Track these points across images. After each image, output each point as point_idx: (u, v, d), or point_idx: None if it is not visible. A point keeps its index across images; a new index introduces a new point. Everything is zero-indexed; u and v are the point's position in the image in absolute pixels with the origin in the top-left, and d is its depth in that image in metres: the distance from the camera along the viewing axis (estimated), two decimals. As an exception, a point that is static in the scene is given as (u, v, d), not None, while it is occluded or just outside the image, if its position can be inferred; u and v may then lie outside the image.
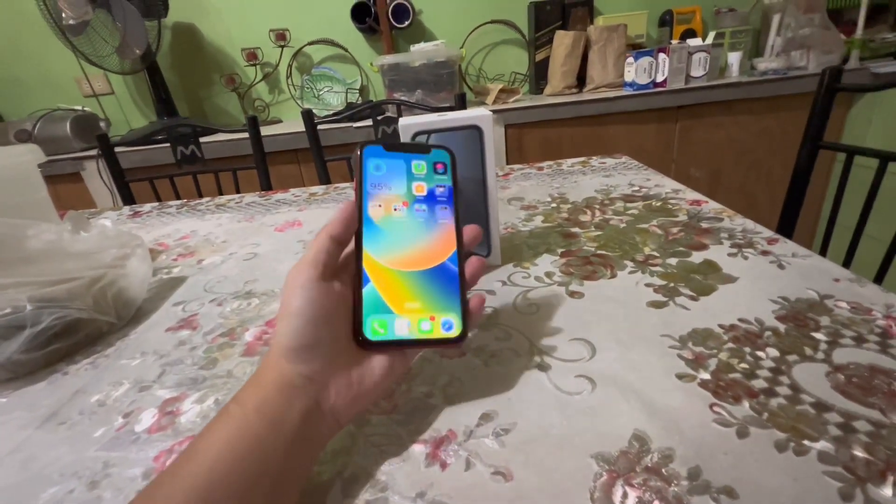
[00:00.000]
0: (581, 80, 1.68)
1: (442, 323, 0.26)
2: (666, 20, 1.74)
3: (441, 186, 0.29)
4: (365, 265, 0.26)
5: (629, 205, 0.60)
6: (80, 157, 1.51)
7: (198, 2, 1.77)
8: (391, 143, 0.29)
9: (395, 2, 1.66)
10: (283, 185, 1.32)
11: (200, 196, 1.01)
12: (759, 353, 0.30)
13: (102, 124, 1.70)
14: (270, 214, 0.74)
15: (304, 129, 1.13)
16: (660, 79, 1.49)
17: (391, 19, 1.68)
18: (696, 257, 0.44)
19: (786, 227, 0.87)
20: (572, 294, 0.40)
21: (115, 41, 1.52)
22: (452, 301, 0.27)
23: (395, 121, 1.14)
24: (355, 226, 0.27)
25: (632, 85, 1.53)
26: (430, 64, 1.54)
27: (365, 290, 0.26)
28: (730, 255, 0.44)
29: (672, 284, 0.40)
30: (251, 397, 0.23)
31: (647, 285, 0.40)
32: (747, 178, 1.60)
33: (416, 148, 0.29)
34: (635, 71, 1.50)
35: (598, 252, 0.48)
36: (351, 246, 0.27)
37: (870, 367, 0.28)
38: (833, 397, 0.26)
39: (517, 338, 0.35)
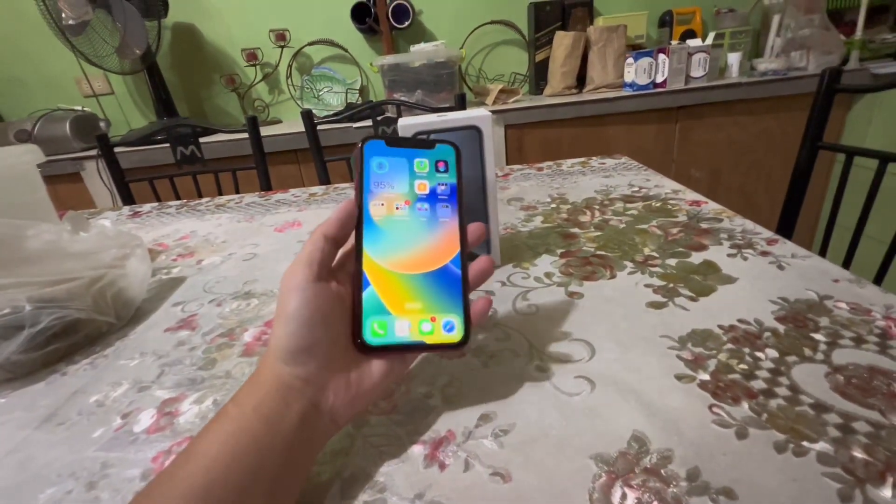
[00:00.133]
0: (581, 81, 1.68)
1: (443, 324, 0.26)
2: (666, 21, 1.74)
3: (444, 184, 0.28)
4: (365, 268, 0.26)
5: (629, 205, 0.60)
6: (80, 158, 1.51)
7: (198, 2, 1.77)
8: (393, 138, 0.28)
9: (395, 2, 1.66)
10: (282, 186, 1.31)
11: (200, 196, 1.01)
12: (759, 354, 0.30)
13: (102, 124, 1.70)
14: (270, 215, 0.74)
15: (303, 130, 1.13)
16: (660, 79, 1.49)
17: (391, 20, 1.68)
18: (696, 258, 0.44)
19: (785, 228, 0.87)
20: (572, 295, 0.40)
21: (115, 41, 1.52)
22: (455, 303, 0.26)
23: (395, 121, 1.14)
24: (352, 226, 0.26)
25: (632, 85, 1.53)
26: (430, 64, 1.54)
27: (365, 294, 0.25)
28: (729, 255, 0.44)
29: (671, 285, 0.40)
30: (249, 398, 0.23)
31: (647, 286, 0.40)
32: (747, 179, 1.60)
33: (420, 143, 0.28)
34: (635, 71, 1.50)
35: (598, 252, 0.48)
36: (348, 244, 0.27)
37: (869, 368, 0.28)
38: (832, 398, 0.26)
39: (516, 338, 0.35)
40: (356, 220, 0.26)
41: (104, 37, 1.51)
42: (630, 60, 1.51)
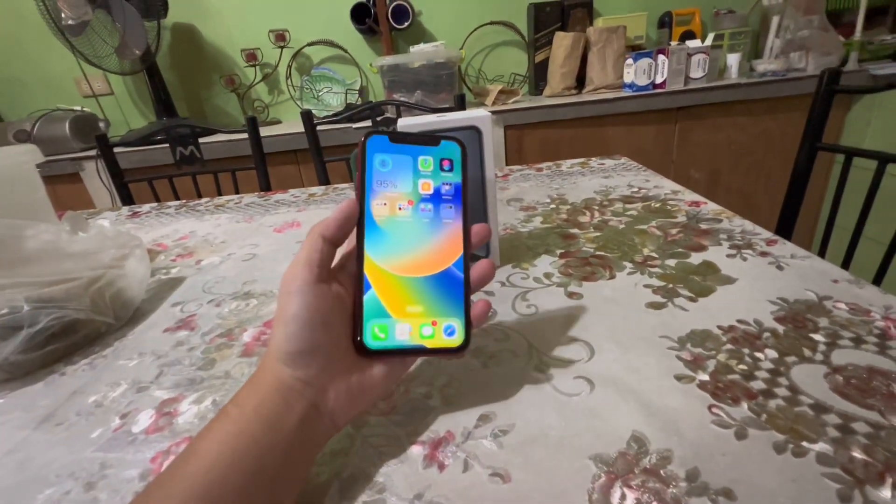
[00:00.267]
0: (580, 82, 1.68)
1: (444, 328, 0.26)
2: (665, 22, 1.74)
3: (448, 184, 0.27)
4: (366, 270, 0.25)
5: (628, 206, 0.60)
6: (79, 158, 1.51)
7: (197, 2, 1.77)
8: (397, 134, 0.27)
9: (395, 3, 1.66)
10: (282, 186, 1.31)
11: (199, 196, 1.01)
12: (758, 355, 0.30)
13: (101, 125, 1.70)
14: (269, 215, 0.74)
15: (303, 130, 1.13)
16: (659, 80, 1.49)
17: (391, 20, 1.68)
18: (695, 258, 0.44)
19: (785, 229, 0.87)
20: (571, 295, 0.40)
21: (115, 42, 1.52)
22: (456, 307, 0.26)
23: (395, 121, 1.14)
24: (351, 227, 0.25)
25: (631, 86, 1.53)
26: (430, 65, 1.54)
27: (366, 297, 0.25)
28: (729, 256, 0.44)
29: (671, 285, 0.40)
30: (249, 399, 0.22)
31: (646, 286, 0.40)
32: (746, 180, 1.60)
33: (424, 139, 0.27)
34: (634, 72, 1.50)
35: (597, 253, 0.48)
36: (348, 244, 0.27)
37: (868, 369, 0.28)
38: (832, 399, 0.26)
39: (516, 339, 0.35)
40: (357, 221, 0.25)
41: (104, 37, 1.51)
42: (629, 61, 1.51)
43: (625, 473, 0.23)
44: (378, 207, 0.26)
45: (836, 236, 0.78)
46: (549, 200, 0.66)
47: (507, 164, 1.54)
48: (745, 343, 0.32)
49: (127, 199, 1.14)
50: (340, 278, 0.26)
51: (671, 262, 0.44)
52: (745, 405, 0.26)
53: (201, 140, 1.17)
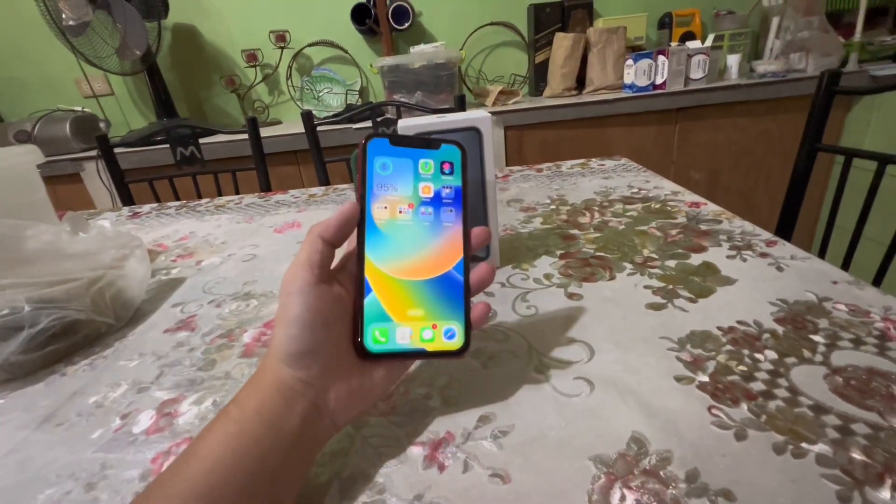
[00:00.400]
0: (580, 82, 1.68)
1: (444, 331, 0.26)
2: (665, 22, 1.74)
3: (448, 187, 0.27)
4: (367, 274, 0.25)
5: (628, 207, 0.60)
6: (80, 158, 1.51)
7: (198, 3, 1.77)
8: (398, 137, 0.27)
9: (395, 3, 1.66)
10: (282, 187, 1.32)
11: (200, 197, 1.01)
12: (758, 356, 0.30)
13: (102, 125, 1.70)
14: (270, 216, 0.74)
15: (303, 131, 1.13)
16: (659, 81, 1.50)
17: (391, 21, 1.68)
18: (695, 259, 0.44)
19: (784, 230, 0.87)
20: (571, 296, 0.40)
21: (116, 42, 1.52)
22: (456, 310, 0.26)
23: (395, 122, 1.14)
24: (350, 230, 0.25)
25: (631, 87, 1.53)
26: (430, 66, 1.54)
27: (367, 301, 0.25)
28: (728, 257, 0.44)
29: (671, 286, 0.40)
30: (251, 400, 0.22)
31: (646, 287, 0.40)
32: (746, 181, 1.60)
33: (425, 143, 0.27)
34: (635, 73, 1.50)
35: (597, 254, 0.48)
36: (349, 245, 0.27)
37: (868, 370, 0.28)
38: (831, 400, 0.26)
39: (516, 340, 0.35)
40: (358, 224, 0.26)
41: (104, 37, 1.51)
42: (629, 62, 1.51)
43: (624, 474, 0.23)
44: (379, 211, 0.26)
45: (835, 237, 0.78)
46: (549, 201, 0.66)
47: (507, 165, 1.54)
48: (745, 344, 0.32)
49: (127, 200, 1.14)
50: (341, 279, 0.26)
51: (671, 263, 0.44)
52: (744, 406, 0.26)
53: (202, 140, 1.17)
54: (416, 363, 0.33)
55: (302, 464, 0.23)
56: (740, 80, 1.52)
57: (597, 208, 0.61)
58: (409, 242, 0.26)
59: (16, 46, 1.78)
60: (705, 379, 0.29)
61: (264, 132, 1.32)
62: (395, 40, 1.81)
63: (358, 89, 1.86)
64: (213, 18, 1.80)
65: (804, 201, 0.85)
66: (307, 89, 1.84)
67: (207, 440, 0.21)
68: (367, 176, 0.26)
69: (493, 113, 1.42)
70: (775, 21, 1.58)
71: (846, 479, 0.22)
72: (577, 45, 1.59)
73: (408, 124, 0.41)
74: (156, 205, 0.91)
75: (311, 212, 0.73)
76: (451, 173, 0.27)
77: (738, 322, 0.34)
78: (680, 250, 0.46)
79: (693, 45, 1.50)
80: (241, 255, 0.58)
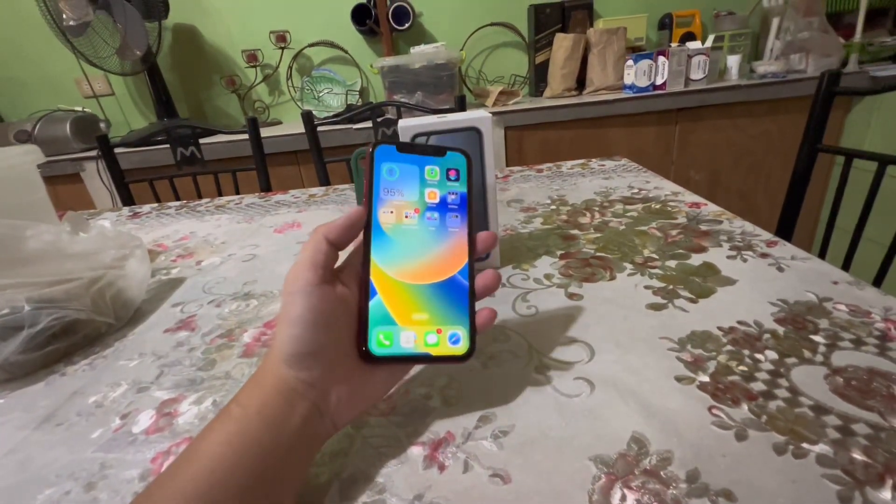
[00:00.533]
0: (581, 83, 1.68)
1: (449, 336, 0.26)
2: (665, 23, 1.74)
3: (454, 193, 0.27)
4: (372, 277, 0.25)
5: (628, 207, 0.60)
6: (80, 158, 1.51)
7: (198, 3, 1.77)
8: (404, 144, 0.27)
9: (396, 4, 1.66)
10: (282, 187, 1.32)
11: (200, 197, 1.01)
12: (758, 356, 0.30)
13: (102, 125, 1.70)
14: (270, 216, 0.74)
15: (303, 131, 1.13)
16: (659, 81, 1.50)
17: (391, 21, 1.68)
18: (696, 260, 0.44)
19: (785, 230, 0.87)
20: (571, 296, 0.40)
21: (116, 42, 1.52)
22: (461, 315, 0.26)
23: (395, 122, 1.14)
24: (356, 233, 0.26)
25: (631, 87, 1.53)
26: (430, 66, 1.54)
27: (371, 303, 0.25)
28: (729, 257, 0.44)
29: (671, 287, 0.40)
30: (252, 399, 0.22)
31: (647, 287, 0.40)
32: (746, 181, 1.60)
33: (431, 150, 0.28)
34: (635, 74, 1.50)
35: (598, 254, 0.48)
36: (353, 245, 0.27)
37: (868, 370, 0.28)
38: (832, 400, 0.26)
39: (516, 340, 0.35)
40: (364, 228, 0.26)
41: (105, 38, 1.51)
42: (630, 63, 1.51)
43: (625, 474, 0.23)
44: (385, 215, 0.26)
45: (836, 238, 0.78)
46: (549, 201, 0.66)
47: (507, 166, 1.54)
48: (746, 344, 0.32)
49: (127, 200, 1.14)
50: (344, 279, 0.26)
51: (671, 264, 0.44)
52: (745, 406, 0.26)
53: (202, 141, 1.17)
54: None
55: (302, 464, 0.23)
56: (740, 81, 1.52)
57: (597, 208, 0.61)
58: (414, 246, 0.26)
59: (16, 46, 1.78)
60: (706, 379, 0.29)
61: (264, 132, 1.32)
62: (395, 41, 1.81)
63: (358, 90, 1.86)
64: (214, 19, 1.80)
65: (804, 202, 0.85)
66: (307, 89, 1.84)
67: (209, 440, 0.21)
68: (373, 180, 0.26)
69: (493, 113, 1.42)
70: (775, 22, 1.58)
71: (847, 479, 0.22)
72: (577, 46, 1.59)
73: (408, 124, 0.41)
74: (156, 205, 0.91)
75: (311, 212, 0.73)
76: (456, 180, 0.28)
77: (739, 322, 0.34)
78: (680, 251, 0.46)
79: (693, 45, 1.50)
80: (241, 256, 0.58)
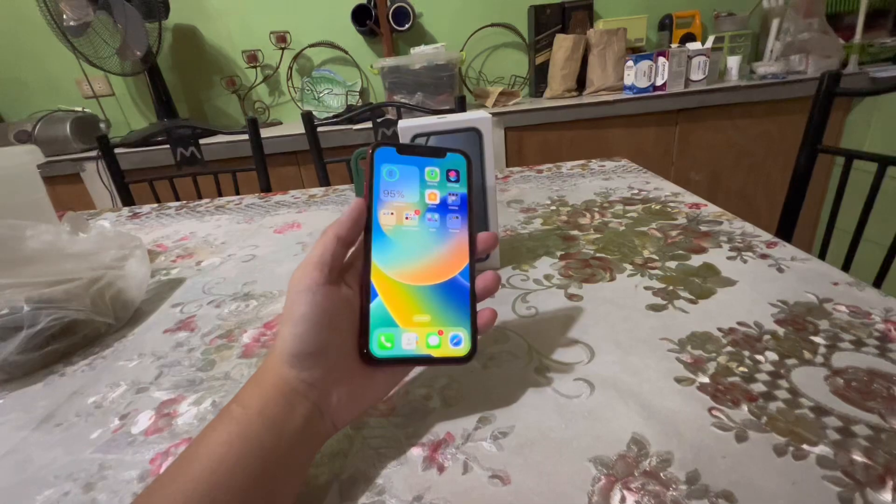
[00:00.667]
0: (581, 84, 1.68)
1: (450, 338, 0.26)
2: (665, 24, 1.74)
3: (454, 194, 0.27)
4: (373, 278, 0.25)
5: (628, 208, 0.60)
6: (80, 159, 1.51)
7: (199, 4, 1.77)
8: (404, 146, 0.27)
9: (396, 5, 1.66)
10: (282, 187, 1.32)
11: (200, 197, 1.01)
12: (758, 357, 0.30)
13: (102, 125, 1.70)
14: (270, 216, 0.74)
15: (303, 131, 1.13)
16: (659, 82, 1.50)
17: (391, 22, 1.68)
18: (696, 260, 0.44)
19: (785, 231, 0.87)
20: (571, 297, 0.40)
21: (116, 43, 1.52)
22: (462, 316, 0.26)
23: (395, 123, 1.14)
24: (362, 225, 0.26)
25: (631, 88, 1.53)
26: (431, 67, 1.54)
27: (373, 305, 0.25)
28: (729, 258, 0.44)
29: (671, 288, 0.40)
30: (253, 399, 0.22)
31: (647, 288, 0.40)
32: (746, 182, 1.60)
33: (431, 151, 0.28)
34: (635, 74, 1.50)
35: (598, 255, 0.48)
36: (357, 243, 0.27)
37: (869, 371, 0.28)
38: (832, 401, 0.26)
39: (516, 340, 0.35)
40: (365, 230, 0.26)
41: (105, 38, 1.51)
42: (630, 63, 1.51)
43: (625, 476, 0.23)
44: (385, 217, 0.26)
45: (836, 239, 0.78)
46: (549, 202, 0.66)
47: (507, 166, 1.55)
48: (746, 345, 0.32)
49: (127, 200, 1.14)
50: (348, 278, 0.26)
51: (671, 265, 0.44)
52: (745, 407, 0.26)
53: (202, 141, 1.17)
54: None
55: (302, 464, 0.23)
56: (740, 82, 1.52)
57: (597, 209, 0.61)
58: (415, 248, 0.26)
59: (17, 47, 1.78)
60: (706, 380, 0.29)
61: (264, 133, 1.32)
62: (395, 41, 1.81)
63: (358, 90, 1.86)
64: (214, 19, 1.80)
65: (804, 203, 0.85)
66: (307, 90, 1.84)
67: (209, 440, 0.21)
68: (373, 182, 0.26)
69: (493, 114, 1.42)
70: (775, 23, 1.58)
71: (847, 480, 0.22)
72: (577, 47, 1.59)
73: (408, 125, 0.41)
74: (156, 205, 0.91)
75: (311, 212, 0.73)
76: (456, 181, 0.28)
77: (739, 323, 0.34)
78: (680, 251, 0.46)
79: (693, 46, 1.50)
80: (240, 256, 0.58)
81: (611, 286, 0.41)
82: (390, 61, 1.55)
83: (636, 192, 0.66)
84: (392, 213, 0.26)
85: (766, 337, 0.32)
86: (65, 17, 1.41)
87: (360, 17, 1.69)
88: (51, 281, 0.39)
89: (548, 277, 0.44)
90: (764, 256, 0.43)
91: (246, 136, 1.13)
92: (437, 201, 0.27)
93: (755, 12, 1.73)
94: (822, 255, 0.72)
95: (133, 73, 1.66)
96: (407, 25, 1.69)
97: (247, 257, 0.58)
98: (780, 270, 0.41)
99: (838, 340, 0.31)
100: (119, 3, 1.45)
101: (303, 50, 1.83)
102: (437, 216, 0.27)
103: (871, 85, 1.44)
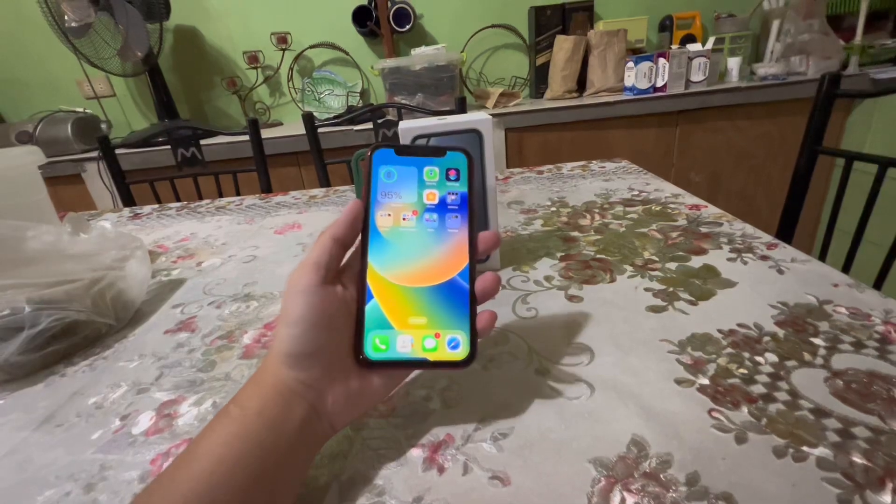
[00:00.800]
0: (581, 85, 1.68)
1: (448, 341, 0.25)
2: (666, 25, 1.75)
3: (454, 194, 0.27)
4: (369, 280, 0.25)
5: (629, 209, 0.60)
6: (81, 159, 1.51)
7: (200, 5, 1.77)
8: (403, 146, 0.27)
9: (397, 6, 1.67)
10: (283, 188, 1.32)
11: (200, 198, 1.01)
12: (758, 359, 0.30)
13: (103, 126, 1.70)
14: (270, 217, 0.74)
15: (304, 132, 1.13)
16: (660, 83, 1.50)
17: (392, 23, 1.69)
18: (696, 262, 0.44)
19: (785, 232, 0.87)
20: (571, 298, 0.40)
21: (117, 43, 1.52)
22: (460, 319, 0.25)
23: (396, 124, 1.14)
24: (360, 228, 0.26)
25: (632, 89, 1.54)
26: (431, 68, 1.54)
27: (368, 307, 0.25)
28: (729, 259, 0.44)
29: (671, 289, 0.40)
30: (252, 400, 0.23)
31: (647, 290, 0.40)
32: (747, 183, 1.60)
33: (430, 151, 0.27)
34: (635, 75, 1.50)
35: (598, 256, 0.48)
36: (355, 245, 0.27)
37: (868, 373, 0.28)
38: (832, 403, 0.26)
39: (516, 342, 0.35)
40: (362, 232, 0.26)
41: (106, 39, 1.51)
42: (630, 64, 1.51)
43: (624, 477, 0.23)
44: (382, 218, 0.26)
45: (836, 240, 0.78)
46: (549, 203, 0.66)
47: (507, 167, 1.54)
48: (746, 347, 0.32)
49: (128, 201, 1.14)
50: (345, 280, 0.26)
51: (671, 266, 0.44)
52: (745, 409, 0.26)
53: (203, 142, 1.18)
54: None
55: (301, 465, 0.23)
56: (741, 83, 1.52)
57: (597, 210, 0.61)
58: (412, 249, 0.26)
59: (18, 47, 1.78)
60: (706, 382, 0.29)
61: (265, 133, 1.32)
62: (396, 42, 1.81)
63: (359, 91, 1.86)
64: (215, 20, 1.81)
65: (805, 204, 0.85)
66: (308, 91, 1.84)
67: (208, 440, 0.21)
68: (371, 184, 0.26)
69: (493, 115, 1.42)
70: (776, 24, 1.58)
71: (847, 482, 0.22)
72: (577, 48, 1.59)
73: (408, 126, 0.41)
74: (157, 206, 0.91)
75: (311, 213, 0.73)
76: (456, 180, 0.27)
77: (739, 325, 0.34)
78: (680, 253, 0.46)
79: (694, 47, 1.50)
80: (241, 257, 0.58)
81: (611, 287, 0.41)
82: (391, 62, 1.55)
83: (636, 193, 0.66)
84: (389, 215, 0.26)
85: (766, 338, 0.32)
86: (66, 17, 1.41)
87: (361, 18, 1.69)
88: (52, 282, 0.39)
89: (548, 279, 0.44)
90: (764, 258, 0.44)
91: (247, 137, 1.13)
92: (436, 201, 0.27)
93: (755, 13, 1.73)
94: (822, 257, 0.72)
95: (134, 73, 1.67)
96: (407, 26, 1.70)
97: (247, 258, 0.58)
98: (781, 272, 0.41)
99: (838, 342, 0.31)
100: (120, 4, 1.46)
101: (304, 51, 1.84)
102: (435, 216, 0.26)
103: (871, 86, 1.44)
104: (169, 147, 1.15)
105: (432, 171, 0.27)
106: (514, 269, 0.47)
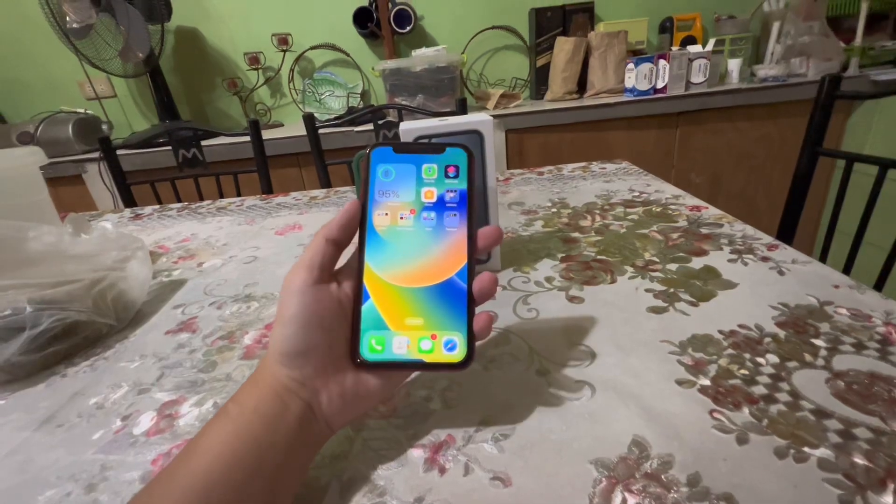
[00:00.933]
0: (582, 86, 1.68)
1: (444, 342, 0.24)
2: (666, 27, 1.75)
3: (453, 191, 0.26)
4: (365, 280, 0.25)
5: (629, 210, 0.60)
6: (82, 160, 1.52)
7: (201, 6, 1.78)
8: (402, 144, 0.26)
9: (397, 7, 1.67)
10: (283, 189, 1.32)
11: (201, 199, 1.01)
12: (759, 360, 0.30)
13: (104, 127, 1.70)
14: (271, 218, 0.74)
15: (305, 133, 1.13)
16: (660, 85, 1.50)
17: (393, 24, 1.69)
18: (696, 263, 0.44)
19: (786, 234, 0.87)
20: (572, 299, 0.40)
21: (119, 45, 1.53)
22: (457, 320, 0.25)
23: (396, 125, 1.14)
24: (355, 228, 0.25)
25: (632, 91, 1.54)
26: (432, 69, 1.55)
27: (364, 308, 0.25)
28: (730, 261, 0.44)
29: (672, 290, 0.40)
30: (250, 399, 0.23)
31: (647, 291, 0.40)
32: (747, 185, 1.60)
33: (429, 148, 0.26)
34: (636, 77, 1.51)
35: (599, 257, 0.48)
36: (354, 245, 0.27)
37: (870, 374, 0.28)
38: (833, 404, 0.26)
39: (517, 342, 0.35)
40: (359, 232, 0.25)
41: (107, 40, 1.52)
42: (631, 66, 1.51)
43: (626, 478, 0.23)
44: (379, 217, 0.26)
45: (837, 241, 0.78)
46: (550, 204, 0.66)
47: (508, 168, 1.54)
48: (747, 348, 0.32)
49: (129, 202, 1.15)
50: (341, 279, 0.26)
51: (672, 267, 0.44)
52: (746, 410, 0.26)
53: (204, 143, 1.18)
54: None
55: (300, 464, 0.23)
56: (741, 85, 1.52)
57: (598, 212, 0.61)
58: (409, 248, 0.25)
59: (19, 48, 1.79)
60: (707, 383, 0.29)
61: (266, 134, 1.32)
62: (396, 44, 1.82)
63: (360, 92, 1.87)
64: (216, 21, 1.81)
65: (805, 205, 0.85)
66: (309, 92, 1.84)
67: (207, 438, 0.21)
68: (369, 184, 0.26)
69: (494, 116, 1.42)
70: (776, 26, 1.58)
71: (848, 483, 0.22)
72: (578, 49, 1.59)
73: (409, 127, 0.41)
74: (157, 206, 0.91)
75: (312, 214, 0.73)
76: (455, 176, 0.26)
77: (740, 326, 0.34)
78: (681, 254, 0.46)
79: (694, 49, 1.50)
80: (242, 257, 0.58)
81: (612, 288, 0.41)
82: (391, 63, 1.55)
83: (637, 194, 0.66)
84: (387, 214, 0.26)
85: (767, 339, 0.32)
86: (68, 18, 1.42)
87: (362, 19, 1.70)
88: (53, 282, 0.39)
89: (549, 279, 0.44)
90: (765, 259, 0.44)
91: (247, 138, 1.14)
92: (434, 199, 0.26)
93: (756, 15, 1.73)
94: (822, 258, 0.72)
95: (135, 74, 1.67)
96: (408, 28, 1.70)
97: (248, 259, 0.58)
98: (781, 273, 0.41)
99: (839, 343, 0.31)
100: (122, 5, 1.46)
101: (304, 52, 1.84)
102: (433, 215, 0.26)
103: (871, 88, 1.44)
104: (170, 148, 1.15)
105: (431, 169, 0.26)
106: (514, 270, 0.47)
